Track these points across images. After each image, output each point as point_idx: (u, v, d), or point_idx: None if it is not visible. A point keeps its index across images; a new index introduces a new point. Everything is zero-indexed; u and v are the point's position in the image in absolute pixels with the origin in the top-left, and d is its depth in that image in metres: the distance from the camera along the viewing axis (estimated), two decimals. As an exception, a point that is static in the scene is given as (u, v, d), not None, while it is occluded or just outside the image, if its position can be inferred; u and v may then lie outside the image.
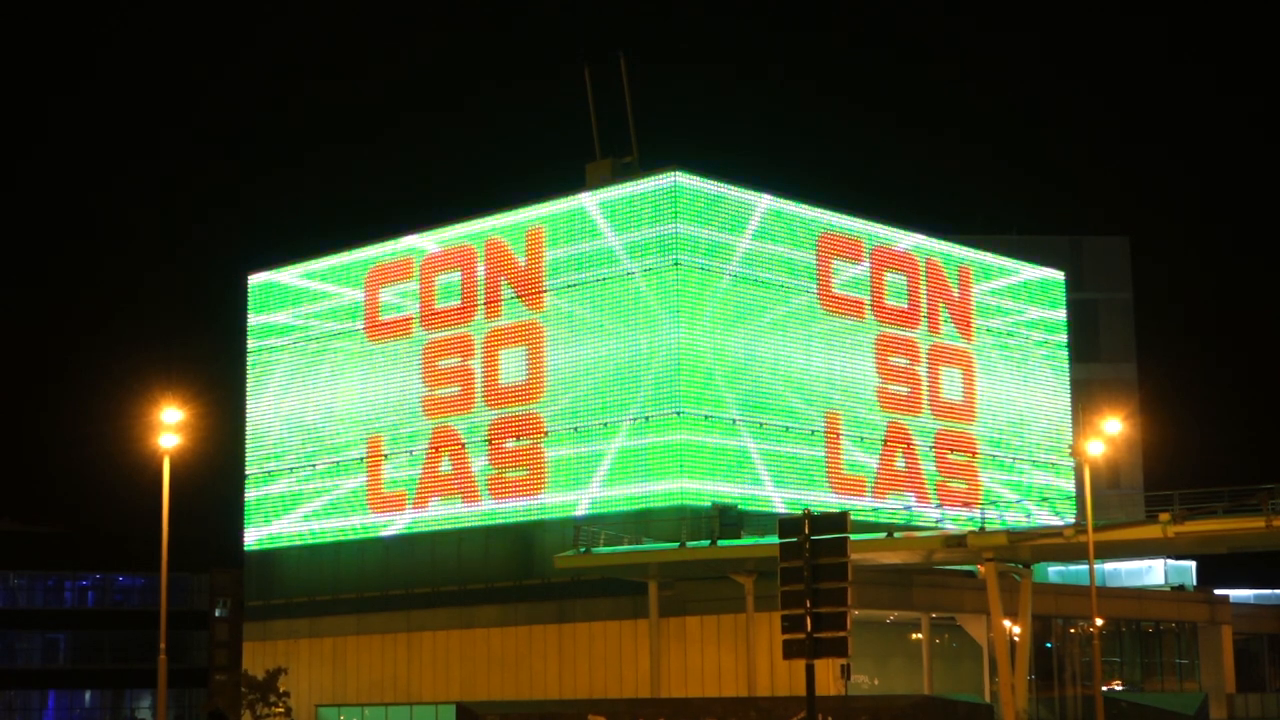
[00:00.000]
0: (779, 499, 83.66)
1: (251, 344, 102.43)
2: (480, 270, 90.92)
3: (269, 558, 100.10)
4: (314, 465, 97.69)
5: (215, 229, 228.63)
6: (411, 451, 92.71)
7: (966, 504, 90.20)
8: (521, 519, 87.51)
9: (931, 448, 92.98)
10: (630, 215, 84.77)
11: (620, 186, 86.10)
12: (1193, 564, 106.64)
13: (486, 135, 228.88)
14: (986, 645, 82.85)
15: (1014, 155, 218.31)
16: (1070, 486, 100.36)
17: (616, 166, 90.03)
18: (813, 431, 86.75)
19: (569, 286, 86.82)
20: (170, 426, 58.27)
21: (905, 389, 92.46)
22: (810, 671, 41.61)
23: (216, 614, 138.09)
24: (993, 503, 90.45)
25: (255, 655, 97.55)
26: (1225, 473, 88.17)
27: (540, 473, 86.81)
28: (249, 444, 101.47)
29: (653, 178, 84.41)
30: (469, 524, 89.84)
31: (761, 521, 78.91)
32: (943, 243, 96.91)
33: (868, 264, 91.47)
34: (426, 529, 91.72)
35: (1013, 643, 77.07)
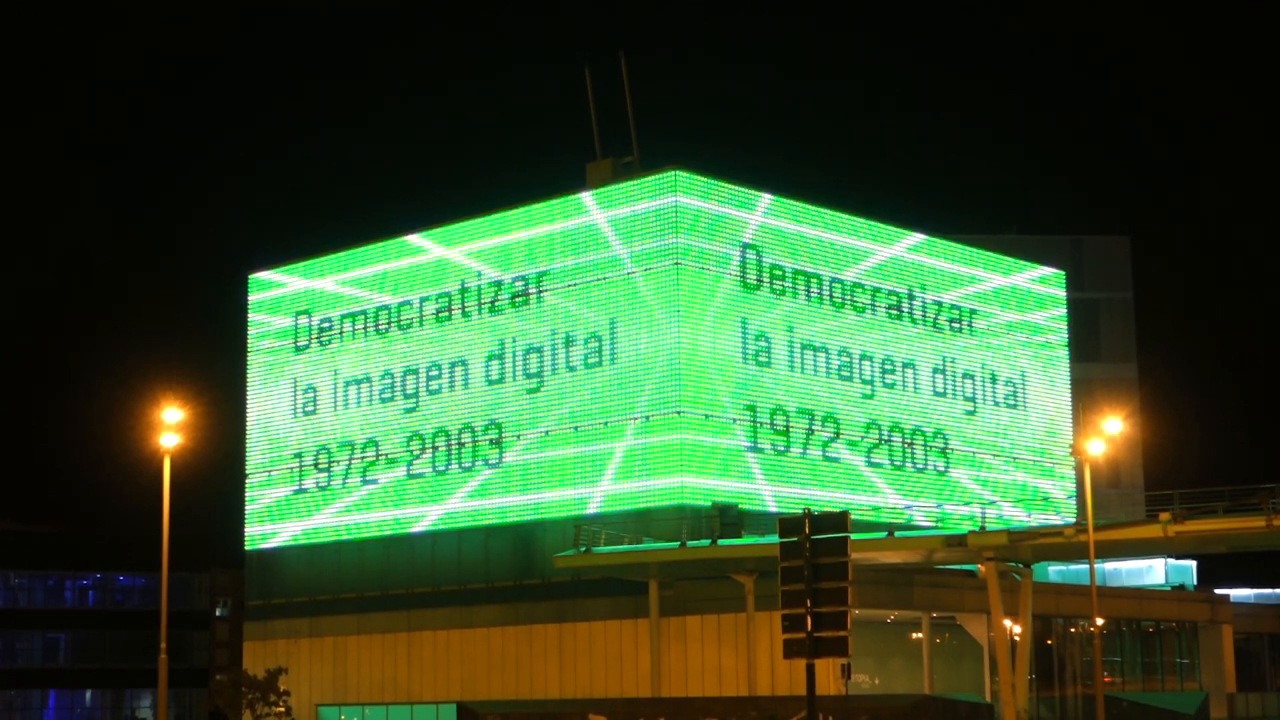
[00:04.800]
0: (778, 499, 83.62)
1: (252, 343, 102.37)
2: (480, 269, 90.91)
3: (269, 557, 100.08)
4: (314, 464, 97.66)
5: (215, 228, 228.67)
6: (412, 451, 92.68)
7: (967, 504, 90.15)
8: (522, 519, 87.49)
9: (931, 447, 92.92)
10: (630, 214, 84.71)
11: (620, 186, 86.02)
12: (1193, 564, 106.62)
13: (487, 135, 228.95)
14: (987, 645, 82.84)
15: (1015, 153, 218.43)
16: (1070, 487, 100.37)
17: (617, 166, 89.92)
18: (813, 431, 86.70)
19: (569, 286, 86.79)
20: (171, 426, 58.30)
21: (906, 389, 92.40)
22: (811, 671, 41.61)
23: (217, 614, 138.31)
24: (993, 502, 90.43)
25: (255, 655, 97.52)
26: (1226, 472, 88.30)
27: (541, 473, 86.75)
28: (249, 443, 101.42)
29: (653, 177, 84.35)
30: (469, 524, 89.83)
31: (761, 521, 78.90)
32: (943, 242, 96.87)
33: (868, 263, 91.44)
34: (427, 529, 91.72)
35: (1013, 642, 77.08)
